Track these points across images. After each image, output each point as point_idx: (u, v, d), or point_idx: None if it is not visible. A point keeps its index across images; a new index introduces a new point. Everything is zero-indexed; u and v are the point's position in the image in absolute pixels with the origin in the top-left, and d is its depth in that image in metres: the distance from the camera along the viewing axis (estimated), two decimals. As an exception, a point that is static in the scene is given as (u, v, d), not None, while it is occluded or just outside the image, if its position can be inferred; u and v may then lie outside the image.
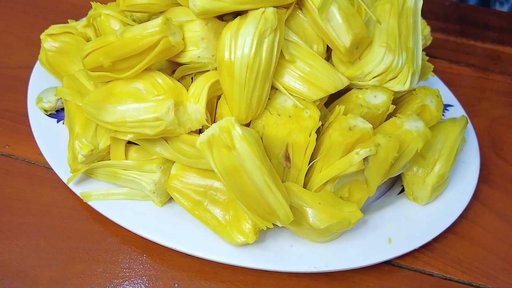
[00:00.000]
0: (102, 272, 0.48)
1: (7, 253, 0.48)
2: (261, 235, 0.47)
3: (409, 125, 0.44)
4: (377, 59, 0.44)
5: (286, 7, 0.44)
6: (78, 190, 0.49)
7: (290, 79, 0.43)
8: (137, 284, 0.47)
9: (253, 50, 0.39)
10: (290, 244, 0.46)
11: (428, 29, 0.60)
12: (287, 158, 0.45)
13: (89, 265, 0.49)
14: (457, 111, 0.59)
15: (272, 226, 0.43)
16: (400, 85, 0.44)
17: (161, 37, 0.41)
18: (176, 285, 0.48)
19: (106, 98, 0.44)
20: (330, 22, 0.42)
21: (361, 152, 0.41)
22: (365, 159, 0.42)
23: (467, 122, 0.52)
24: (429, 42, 0.62)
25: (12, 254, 0.48)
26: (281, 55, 0.43)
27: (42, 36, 0.55)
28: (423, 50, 0.59)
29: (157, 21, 0.41)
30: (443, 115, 0.59)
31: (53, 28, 0.55)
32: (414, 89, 0.48)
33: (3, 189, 0.54)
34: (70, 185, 0.50)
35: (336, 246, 0.46)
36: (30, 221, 0.52)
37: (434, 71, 0.69)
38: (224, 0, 0.39)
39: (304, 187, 0.47)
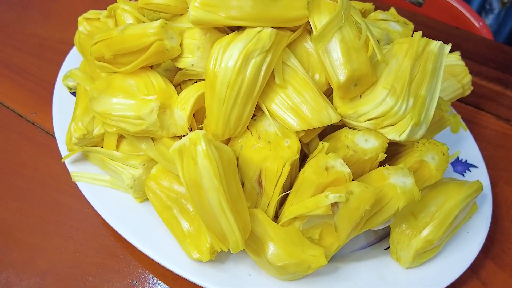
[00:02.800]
0: (74, 251, 0.50)
1: (1, 212, 0.52)
2: (224, 256, 0.45)
3: (395, 179, 0.40)
4: (376, 101, 0.41)
5: (293, 30, 0.42)
6: (72, 168, 0.52)
7: (277, 104, 0.41)
8: (99, 271, 0.49)
9: (237, 67, 0.38)
10: (249, 272, 0.44)
11: (468, 78, 0.54)
12: (260, 184, 0.43)
13: (65, 242, 0.51)
14: (480, 174, 0.52)
15: (226, 250, 0.41)
16: (395, 133, 0.40)
17: (156, 39, 0.41)
18: (135, 282, 0.48)
19: (105, 89, 0.46)
20: (329, 53, 0.40)
21: (331, 196, 0.38)
22: (336, 204, 0.39)
23: (481, 189, 0.46)
24: (467, 92, 0.55)
25: (5, 214, 0.52)
26: (273, 78, 0.41)
27: (79, 19, 0.58)
28: (459, 100, 0.54)
29: (156, 24, 0.41)
30: (462, 175, 0.53)
31: (91, 13, 0.57)
32: (417, 141, 0.43)
33: (19, 154, 0.59)
34: (67, 163, 0.52)
35: (294, 286, 0.43)
36: (31, 187, 0.55)
37: (477, 125, 0.63)
38: (218, 13, 0.38)
39: (277, 217, 0.45)
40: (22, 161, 0.58)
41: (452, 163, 0.53)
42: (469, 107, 0.64)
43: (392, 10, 0.53)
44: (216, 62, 0.39)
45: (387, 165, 0.41)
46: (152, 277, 0.49)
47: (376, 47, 0.40)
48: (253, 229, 0.43)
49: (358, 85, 0.41)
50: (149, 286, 0.48)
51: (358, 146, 0.41)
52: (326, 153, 0.41)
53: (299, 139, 0.44)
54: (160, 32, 0.41)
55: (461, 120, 0.57)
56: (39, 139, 0.61)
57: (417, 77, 0.42)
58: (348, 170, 0.39)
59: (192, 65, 0.43)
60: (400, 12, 0.66)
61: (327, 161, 0.40)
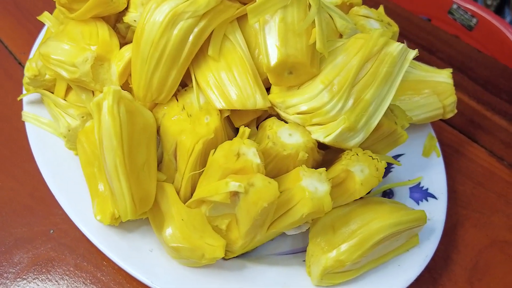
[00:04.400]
0: (10, 188, 0.51)
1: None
2: (135, 227, 0.43)
3: (307, 183, 0.36)
4: (308, 95, 0.37)
5: (244, 2, 0.39)
6: (27, 108, 0.52)
7: (206, 78, 0.38)
8: (24, 213, 0.49)
9: (162, 26, 0.36)
10: (152, 248, 0.42)
11: (452, 99, 0.48)
12: (176, 158, 0.40)
13: (5, 178, 0.51)
14: (438, 207, 0.46)
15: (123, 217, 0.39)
16: (321, 133, 0.36)
17: (100, -12, 0.40)
18: (52, 231, 0.48)
19: (59, 33, 0.45)
20: (265, 33, 0.36)
21: (231, 183, 0.35)
22: (236, 194, 0.36)
23: (422, 221, 0.41)
24: (448, 115, 0.49)
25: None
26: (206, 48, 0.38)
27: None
28: (453, 125, 0.48)
29: (104, -29, 0.40)
30: (417, 203, 0.47)
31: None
32: (350, 149, 0.39)
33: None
34: (24, 103, 0.52)
35: (188, 273, 0.40)
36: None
37: (464, 157, 0.56)
38: (156, -31, 0.36)
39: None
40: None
41: (410, 188, 0.48)
42: (462, 136, 0.57)
43: (380, 8, 0.48)
44: (145, 18, 0.37)
45: (303, 166, 0.37)
46: (70, 229, 0.48)
47: (319, 36, 0.36)
48: (159, 204, 0.40)
49: (293, 73, 0.37)
50: (64, 237, 0.47)
51: (279, 139, 0.37)
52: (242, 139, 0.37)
53: (231, 121, 0.41)
54: (105, -19, 0.40)
55: (437, 145, 0.50)
56: (18, 78, 0.62)
57: (365, 78, 0.37)
58: (258, 161, 0.36)
59: (134, 21, 0.41)
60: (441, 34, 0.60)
61: (240, 147, 0.36)
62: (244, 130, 0.38)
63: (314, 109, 0.36)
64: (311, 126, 0.37)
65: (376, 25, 0.45)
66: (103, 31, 0.43)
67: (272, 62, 0.36)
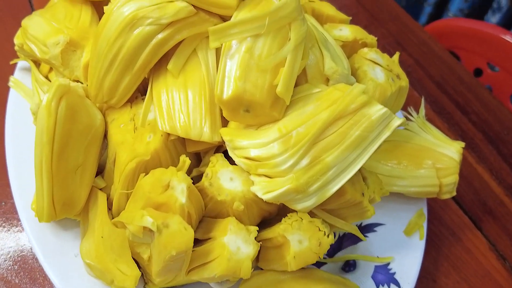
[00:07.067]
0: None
1: None
2: (72, 225, 0.41)
3: (230, 239, 0.31)
4: (260, 141, 0.32)
5: (225, 19, 0.35)
6: (17, 74, 0.51)
7: (159, 92, 0.34)
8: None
9: (120, 28, 0.32)
10: (78, 253, 0.39)
11: (453, 179, 0.41)
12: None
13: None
14: None
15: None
16: (260, 188, 0.31)
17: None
18: (4, 203, 0.47)
19: (48, 8, 0.44)
20: (226, 59, 0.31)
21: (145, 218, 0.31)
22: (152, 231, 0.32)
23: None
24: (445, 196, 0.42)
25: None
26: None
27: None
28: (460, 203, 0.41)
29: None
30: (377, 287, 0.40)
31: None
32: (296, 212, 0.33)
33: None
34: (18, 69, 0.52)
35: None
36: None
37: (459, 244, 0.48)
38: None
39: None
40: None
41: (376, 267, 0.41)
42: (466, 218, 0.49)
43: (395, 56, 0.41)
44: (110, 13, 0.33)
45: (232, 218, 0.32)
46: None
47: (284, 77, 0.30)
48: (89, 212, 0.38)
49: (250, 112, 0.32)
50: (12, 212, 0.47)
51: (218, 180, 0.33)
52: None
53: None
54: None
55: (424, 225, 0.43)
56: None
57: (331, 137, 0.31)
58: (183, 201, 0.31)
59: (111, 13, 0.38)
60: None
61: (172, 179, 0.32)
62: (185, 161, 0.33)
63: (262, 158, 0.31)
64: (257, 176, 0.32)
65: (380, 75, 0.39)
66: (86, 16, 0.40)
67: (225, 95, 0.31)
